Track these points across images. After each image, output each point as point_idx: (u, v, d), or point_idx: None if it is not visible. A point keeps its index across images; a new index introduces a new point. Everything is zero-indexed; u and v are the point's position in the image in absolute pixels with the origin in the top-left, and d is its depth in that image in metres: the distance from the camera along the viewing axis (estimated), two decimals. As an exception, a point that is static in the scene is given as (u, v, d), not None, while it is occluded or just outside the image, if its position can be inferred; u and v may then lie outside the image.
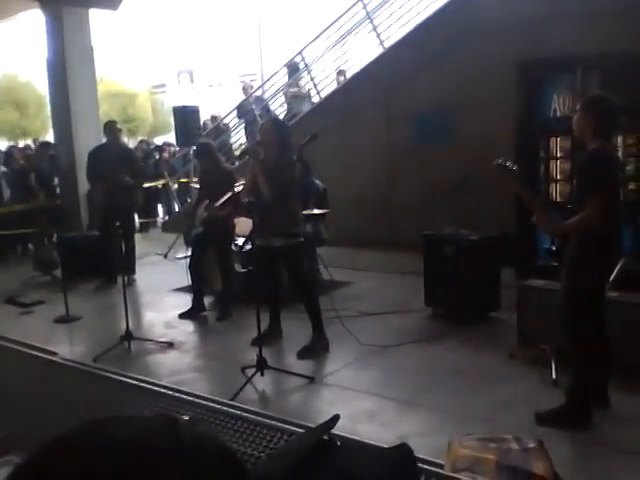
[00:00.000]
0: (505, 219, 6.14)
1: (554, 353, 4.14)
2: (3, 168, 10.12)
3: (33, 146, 12.62)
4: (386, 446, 1.24)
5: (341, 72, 10.32)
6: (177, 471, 0.52)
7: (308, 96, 10.77)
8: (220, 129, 11.83)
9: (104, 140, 7.69)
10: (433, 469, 1.49)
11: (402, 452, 1.16)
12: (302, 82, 10.82)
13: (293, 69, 10.81)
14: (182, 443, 0.54)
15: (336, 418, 1.21)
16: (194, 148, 6.96)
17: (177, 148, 12.78)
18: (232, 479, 0.56)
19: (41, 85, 23.28)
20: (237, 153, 11.32)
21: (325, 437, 1.19)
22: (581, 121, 3.49)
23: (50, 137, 12.10)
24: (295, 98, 10.69)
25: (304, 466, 1.05)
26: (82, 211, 9.44)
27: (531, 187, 3.90)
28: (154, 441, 0.53)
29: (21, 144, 20.31)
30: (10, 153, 11.03)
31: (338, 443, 1.18)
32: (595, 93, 3.94)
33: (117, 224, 7.30)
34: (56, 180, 10.26)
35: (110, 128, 7.51)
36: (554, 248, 3.73)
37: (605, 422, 3.52)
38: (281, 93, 11.00)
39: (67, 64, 9.38)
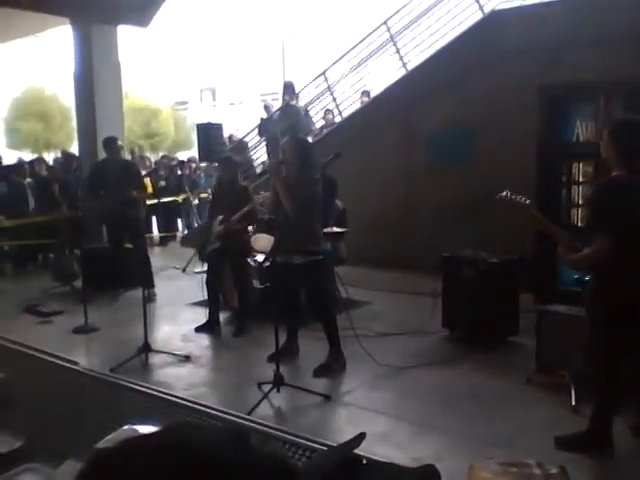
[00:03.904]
0: (523, 242, 6.12)
1: (574, 379, 4.10)
2: (29, 179, 10.28)
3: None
4: (413, 466, 1.25)
5: (365, 92, 10.38)
6: None
7: (305, 110, 10.82)
8: (238, 147, 11.94)
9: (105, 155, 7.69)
10: (455, 491, 1.49)
11: (428, 473, 1.16)
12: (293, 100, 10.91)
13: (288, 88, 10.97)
14: (250, 456, 0.56)
15: (362, 436, 1.22)
16: (219, 159, 7.03)
17: (199, 164, 12.93)
18: None
19: (66, 97, 23.68)
20: (258, 171, 11.41)
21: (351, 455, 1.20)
22: (606, 147, 3.41)
23: (74, 149, 12.26)
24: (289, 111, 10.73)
25: (331, 481, 1.06)
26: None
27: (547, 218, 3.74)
28: (223, 450, 0.56)
29: (45, 156, 20.64)
30: (35, 165, 11.19)
31: (364, 461, 1.19)
32: (621, 117, 3.81)
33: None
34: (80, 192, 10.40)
35: (110, 145, 7.50)
36: (585, 278, 3.65)
37: (627, 449, 3.47)
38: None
39: (94, 79, 9.56)
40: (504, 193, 3.57)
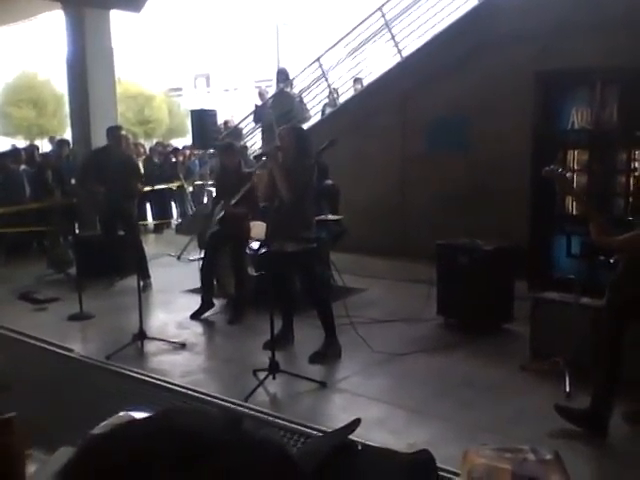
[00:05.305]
0: (518, 230, 6.13)
1: (568, 366, 4.12)
2: (23, 166, 10.21)
3: (50, 145, 12.74)
4: (408, 451, 1.25)
5: (357, 80, 10.33)
6: (229, 465, 0.54)
7: (299, 97, 10.73)
8: (234, 133, 11.88)
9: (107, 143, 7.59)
10: (450, 476, 1.50)
11: (423, 458, 1.16)
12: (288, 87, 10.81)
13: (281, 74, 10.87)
14: (241, 440, 0.56)
15: (357, 422, 1.22)
16: (216, 146, 6.98)
17: (193, 151, 12.87)
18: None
19: (59, 84, 23.48)
20: (254, 155, 11.36)
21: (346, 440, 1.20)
22: None
23: (67, 136, 12.19)
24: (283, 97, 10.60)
25: (326, 467, 1.06)
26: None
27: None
28: (213, 433, 0.56)
29: (37, 143, 20.48)
30: (31, 151, 11.12)
31: (359, 447, 1.19)
32: None
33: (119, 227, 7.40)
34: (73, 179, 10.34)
35: (114, 133, 7.46)
36: (611, 261, 3.68)
37: (621, 435, 3.50)
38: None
39: (87, 64, 9.48)
40: (550, 167, 3.61)
